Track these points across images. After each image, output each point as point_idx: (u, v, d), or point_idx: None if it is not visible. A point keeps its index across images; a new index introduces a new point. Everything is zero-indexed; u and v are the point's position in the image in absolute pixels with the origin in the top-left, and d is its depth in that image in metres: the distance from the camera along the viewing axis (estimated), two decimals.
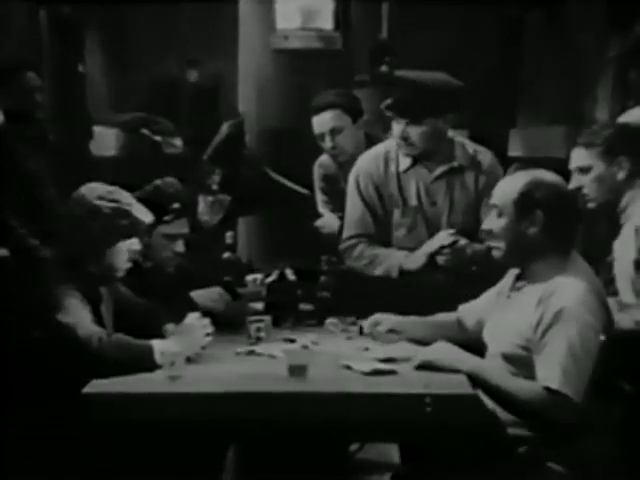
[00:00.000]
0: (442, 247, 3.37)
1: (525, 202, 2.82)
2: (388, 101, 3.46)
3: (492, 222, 2.89)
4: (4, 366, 2.76)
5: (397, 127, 3.47)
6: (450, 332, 3.11)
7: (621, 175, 3.14)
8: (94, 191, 3.00)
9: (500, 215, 2.86)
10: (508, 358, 2.81)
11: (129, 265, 3.05)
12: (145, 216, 3.08)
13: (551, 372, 2.65)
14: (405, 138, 3.46)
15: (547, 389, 2.64)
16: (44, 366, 2.73)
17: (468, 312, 3.17)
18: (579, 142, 3.18)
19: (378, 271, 3.53)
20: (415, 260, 3.44)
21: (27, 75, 4.37)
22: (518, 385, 2.71)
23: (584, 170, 3.16)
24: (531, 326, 2.74)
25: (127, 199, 3.04)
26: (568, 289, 2.73)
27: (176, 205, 3.41)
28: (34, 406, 2.72)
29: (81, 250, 2.95)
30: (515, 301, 2.89)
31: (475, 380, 2.73)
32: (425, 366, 2.82)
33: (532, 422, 2.72)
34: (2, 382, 2.75)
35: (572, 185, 3.14)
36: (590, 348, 2.69)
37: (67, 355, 2.74)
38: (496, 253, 2.90)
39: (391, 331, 3.13)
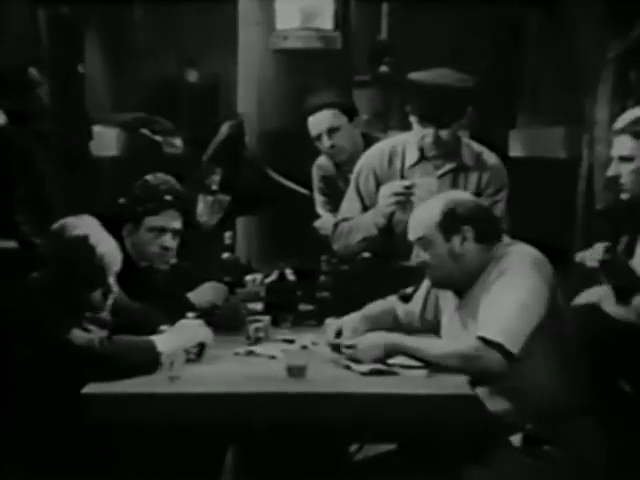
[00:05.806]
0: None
1: (450, 221, 2.81)
2: (416, 106, 3.44)
3: (422, 255, 2.86)
4: (5, 367, 2.75)
5: (424, 131, 3.46)
6: (385, 323, 3.12)
7: None
8: (71, 231, 2.81)
9: (428, 245, 2.84)
10: None
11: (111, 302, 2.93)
12: (115, 264, 2.88)
13: (488, 322, 2.65)
14: (437, 142, 3.46)
15: (482, 339, 2.63)
16: (45, 369, 2.72)
17: (399, 305, 3.19)
18: (625, 129, 3.10)
19: (360, 235, 3.57)
20: (381, 211, 3.48)
21: (28, 71, 4.37)
22: (438, 345, 2.76)
23: (626, 159, 3.10)
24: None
25: (103, 245, 2.83)
26: (516, 254, 2.76)
27: (168, 197, 3.29)
28: (34, 406, 2.71)
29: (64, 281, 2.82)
30: (473, 296, 2.85)
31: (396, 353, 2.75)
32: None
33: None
34: (3, 383, 2.75)
35: (611, 172, 3.07)
36: (532, 307, 2.67)
37: (69, 361, 2.72)
38: (436, 280, 2.90)
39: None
